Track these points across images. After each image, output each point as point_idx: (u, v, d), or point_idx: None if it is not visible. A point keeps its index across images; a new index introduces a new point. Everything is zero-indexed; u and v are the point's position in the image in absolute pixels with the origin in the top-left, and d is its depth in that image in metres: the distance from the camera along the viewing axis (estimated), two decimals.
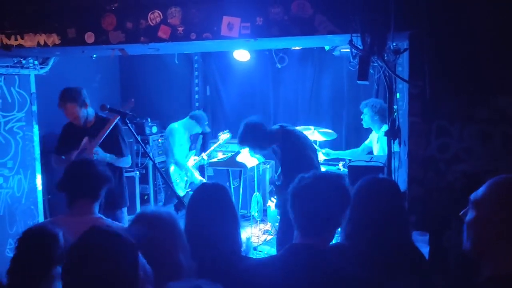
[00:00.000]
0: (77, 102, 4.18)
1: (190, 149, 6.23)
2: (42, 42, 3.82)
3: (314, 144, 4.41)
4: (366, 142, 5.47)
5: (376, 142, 5.14)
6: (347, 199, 1.91)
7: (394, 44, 3.27)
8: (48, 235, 2.16)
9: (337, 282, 1.77)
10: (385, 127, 4.95)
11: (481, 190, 1.55)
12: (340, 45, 4.35)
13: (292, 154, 3.96)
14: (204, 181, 6.10)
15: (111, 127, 4.09)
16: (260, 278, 1.81)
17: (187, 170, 5.90)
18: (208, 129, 6.11)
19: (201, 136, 6.90)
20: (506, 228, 1.45)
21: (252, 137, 4.05)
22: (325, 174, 1.93)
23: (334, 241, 2.05)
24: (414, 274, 2.06)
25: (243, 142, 4.16)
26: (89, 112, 4.28)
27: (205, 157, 6.10)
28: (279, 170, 4.30)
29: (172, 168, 5.89)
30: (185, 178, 5.96)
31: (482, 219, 1.51)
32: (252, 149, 4.29)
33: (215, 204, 2.29)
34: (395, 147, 3.39)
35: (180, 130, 5.91)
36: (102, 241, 1.49)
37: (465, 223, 1.57)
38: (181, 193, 5.83)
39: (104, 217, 2.69)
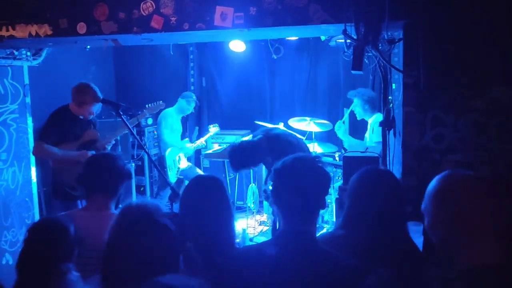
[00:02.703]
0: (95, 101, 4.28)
1: (183, 137, 6.21)
2: (33, 33, 3.78)
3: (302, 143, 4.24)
4: (366, 134, 5.44)
5: (372, 132, 5.12)
6: (327, 179, 1.92)
7: (389, 34, 3.24)
8: (60, 228, 2.13)
9: (325, 266, 1.77)
10: (377, 116, 4.94)
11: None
12: (335, 35, 4.31)
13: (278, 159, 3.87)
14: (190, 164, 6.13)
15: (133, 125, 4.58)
16: (250, 264, 1.81)
17: (183, 149, 5.97)
18: (193, 105, 6.04)
19: (196, 128, 6.88)
20: (454, 223, 1.46)
21: (243, 160, 3.87)
22: (300, 159, 1.91)
23: (328, 230, 2.04)
24: (408, 266, 2.06)
25: (237, 168, 4.01)
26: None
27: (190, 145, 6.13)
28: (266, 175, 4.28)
29: (168, 151, 5.89)
30: (178, 166, 5.94)
31: (430, 217, 1.52)
32: (250, 168, 4.20)
33: (209, 197, 2.28)
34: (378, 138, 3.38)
35: (173, 114, 5.96)
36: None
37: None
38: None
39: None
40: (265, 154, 3.91)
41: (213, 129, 6.16)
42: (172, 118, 5.96)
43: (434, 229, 1.51)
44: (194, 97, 6.06)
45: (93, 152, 4.20)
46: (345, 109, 5.55)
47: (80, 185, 2.68)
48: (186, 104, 5.96)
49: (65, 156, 4.17)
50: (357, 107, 5.09)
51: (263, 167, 6.51)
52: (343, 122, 5.28)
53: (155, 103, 5.27)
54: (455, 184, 1.49)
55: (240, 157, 3.87)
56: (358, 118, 5.24)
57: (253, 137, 4.10)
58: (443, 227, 1.47)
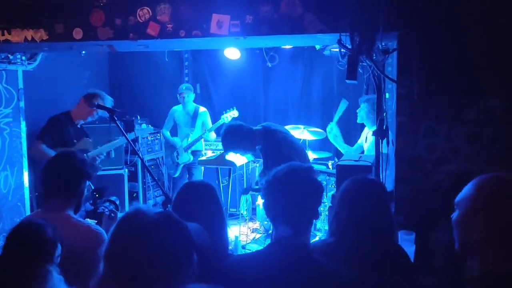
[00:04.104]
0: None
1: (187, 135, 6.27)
2: (29, 38, 3.78)
3: (298, 144, 4.27)
4: (359, 141, 5.46)
5: (365, 141, 5.14)
6: (320, 190, 1.93)
7: (383, 44, 3.27)
8: (34, 230, 2.13)
9: (318, 277, 1.77)
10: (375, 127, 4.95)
11: (463, 190, 1.55)
12: (330, 44, 4.35)
13: (272, 155, 3.91)
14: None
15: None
16: (242, 274, 1.81)
17: (172, 141, 6.24)
18: (183, 93, 6.19)
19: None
20: (487, 228, 1.45)
21: (233, 140, 4.00)
22: (294, 169, 1.92)
23: (319, 238, 2.05)
24: (397, 274, 2.07)
25: (226, 147, 4.12)
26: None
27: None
28: (261, 170, 4.29)
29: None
30: (177, 161, 6.17)
31: (464, 219, 1.51)
32: (237, 152, 4.21)
33: (201, 203, 2.28)
34: (383, 149, 3.40)
35: (177, 109, 6.30)
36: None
37: (452, 223, 1.58)
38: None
39: (73, 215, 2.60)
40: (256, 142, 3.98)
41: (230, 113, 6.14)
42: (176, 113, 6.31)
43: (462, 227, 1.50)
44: (183, 86, 6.26)
45: None
46: (338, 110, 5.57)
47: (42, 185, 2.65)
48: (178, 97, 6.24)
49: None
50: (363, 111, 5.09)
51: (256, 172, 6.54)
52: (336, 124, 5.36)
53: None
54: (500, 190, 1.48)
55: (232, 137, 3.96)
56: (358, 121, 5.25)
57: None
58: (477, 230, 1.46)
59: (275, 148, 3.88)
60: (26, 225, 2.22)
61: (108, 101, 4.54)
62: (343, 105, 5.50)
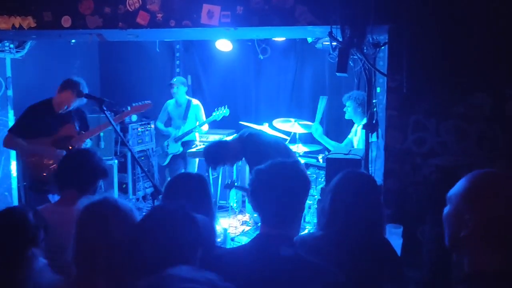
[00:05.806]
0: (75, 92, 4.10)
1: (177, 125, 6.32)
2: (17, 25, 3.73)
3: (280, 144, 4.23)
4: (350, 136, 5.46)
5: (355, 135, 5.15)
6: (307, 184, 1.92)
7: (374, 37, 3.27)
8: (17, 215, 2.11)
9: (303, 272, 1.77)
10: (365, 120, 4.95)
11: (456, 185, 1.54)
12: (321, 37, 4.34)
13: (254, 160, 3.92)
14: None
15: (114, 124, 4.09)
16: (228, 267, 1.80)
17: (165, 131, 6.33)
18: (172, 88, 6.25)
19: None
20: (475, 224, 1.44)
21: (215, 158, 4.03)
22: (281, 163, 1.92)
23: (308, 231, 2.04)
24: (385, 268, 2.07)
25: (212, 165, 4.15)
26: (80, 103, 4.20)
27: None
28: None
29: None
30: (167, 150, 6.27)
31: (454, 214, 1.50)
32: (223, 166, 4.26)
33: (189, 194, 2.27)
34: (373, 137, 3.41)
35: (170, 103, 6.36)
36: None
37: (443, 218, 1.57)
38: None
39: None
40: (238, 154, 4.03)
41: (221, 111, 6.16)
42: (170, 106, 6.36)
43: (452, 222, 1.50)
44: (174, 78, 6.31)
45: (63, 150, 4.00)
46: (319, 108, 5.55)
47: (55, 179, 2.66)
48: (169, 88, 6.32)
49: (31, 150, 4.01)
50: (350, 108, 5.10)
51: (247, 166, 6.53)
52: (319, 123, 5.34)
53: (141, 102, 4.93)
54: (491, 186, 1.47)
55: (213, 153, 4.00)
56: (347, 118, 5.25)
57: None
58: (465, 225, 1.45)
59: (256, 153, 3.89)
60: (8, 210, 2.19)
61: (85, 90, 4.21)
62: (322, 101, 5.48)
